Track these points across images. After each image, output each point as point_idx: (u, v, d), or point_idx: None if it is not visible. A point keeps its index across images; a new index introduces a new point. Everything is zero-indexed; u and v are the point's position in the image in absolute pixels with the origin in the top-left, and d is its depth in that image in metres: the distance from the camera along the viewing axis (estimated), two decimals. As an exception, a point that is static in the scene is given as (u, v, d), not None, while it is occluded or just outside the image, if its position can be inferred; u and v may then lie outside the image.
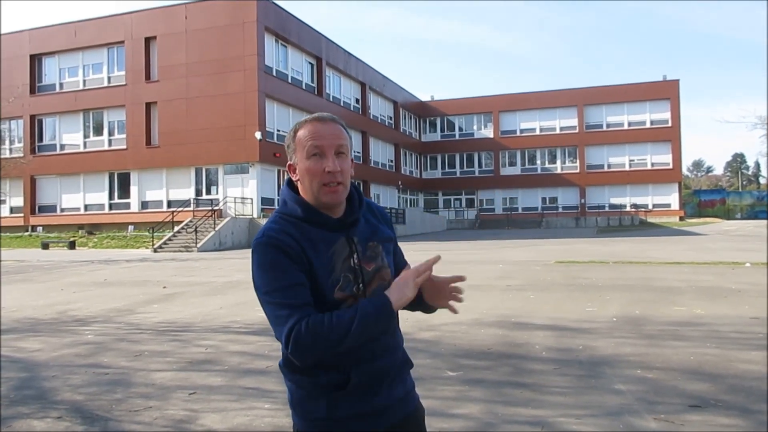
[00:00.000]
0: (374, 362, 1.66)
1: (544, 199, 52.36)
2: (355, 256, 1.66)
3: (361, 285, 1.65)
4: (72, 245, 28.19)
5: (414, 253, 21.61)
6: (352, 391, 1.62)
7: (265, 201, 30.41)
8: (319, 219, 1.65)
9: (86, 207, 33.74)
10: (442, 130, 56.25)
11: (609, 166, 51.13)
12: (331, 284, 1.60)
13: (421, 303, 1.74)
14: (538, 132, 52.80)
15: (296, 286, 1.55)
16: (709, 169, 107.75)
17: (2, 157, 29.53)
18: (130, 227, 31.64)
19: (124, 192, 33.08)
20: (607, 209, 50.25)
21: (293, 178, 1.70)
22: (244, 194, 30.16)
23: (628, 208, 49.72)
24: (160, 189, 32.16)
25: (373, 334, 1.58)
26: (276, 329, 1.56)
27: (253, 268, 1.60)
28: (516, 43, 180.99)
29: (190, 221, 27.77)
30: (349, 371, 1.62)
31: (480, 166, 54.87)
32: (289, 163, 1.71)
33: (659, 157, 49.83)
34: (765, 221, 45.95)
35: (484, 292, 10.10)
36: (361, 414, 1.64)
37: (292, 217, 1.65)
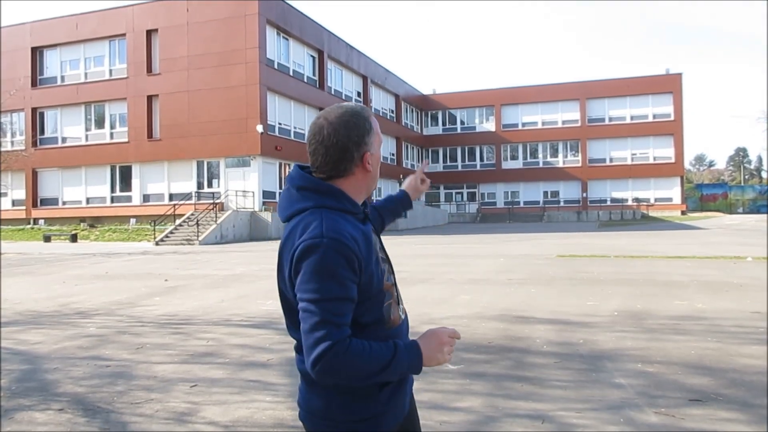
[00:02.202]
0: None
1: (545, 193, 52.28)
2: (381, 244, 1.71)
3: (393, 274, 1.70)
4: (74, 238, 28.24)
5: (416, 246, 21.51)
6: (395, 384, 1.63)
7: (267, 194, 30.40)
8: (356, 210, 1.63)
9: (88, 200, 33.78)
10: (443, 124, 56.13)
11: (611, 159, 51.02)
12: (381, 274, 1.61)
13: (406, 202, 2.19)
14: (540, 125, 52.65)
15: (346, 301, 1.49)
16: (711, 164, 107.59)
17: (4, 149, 29.52)
18: (132, 220, 31.69)
19: (126, 185, 33.09)
20: (608, 203, 50.19)
21: (368, 168, 1.64)
22: (245, 187, 30.15)
23: (629, 202, 49.66)
24: (162, 182, 32.16)
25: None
26: (310, 339, 1.46)
27: (305, 268, 1.49)
28: (518, 35, 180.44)
29: (192, 214, 27.79)
30: None
31: (482, 159, 54.77)
32: (367, 152, 1.63)
33: (661, 151, 49.71)
34: (767, 216, 45.86)
35: (486, 286, 10.10)
36: (397, 405, 1.65)
37: (337, 210, 1.58)
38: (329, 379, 1.48)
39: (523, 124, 53.06)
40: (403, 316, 1.71)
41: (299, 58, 34.55)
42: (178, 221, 27.67)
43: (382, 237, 1.87)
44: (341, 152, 1.59)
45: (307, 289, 1.48)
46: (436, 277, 11.48)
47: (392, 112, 48.76)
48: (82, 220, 32.78)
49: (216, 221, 26.57)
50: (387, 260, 1.69)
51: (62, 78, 34.54)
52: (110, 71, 33.48)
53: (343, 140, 1.59)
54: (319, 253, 1.47)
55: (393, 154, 48.54)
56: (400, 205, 2.20)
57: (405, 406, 1.70)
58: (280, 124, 31.98)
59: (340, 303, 1.47)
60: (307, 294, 1.47)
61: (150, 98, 32.08)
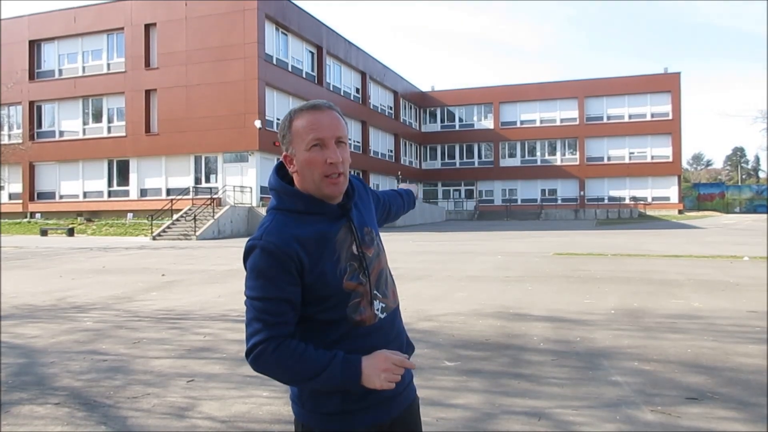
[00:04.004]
0: (388, 348, 1.65)
1: (543, 191, 52.36)
2: (356, 242, 1.65)
3: (366, 272, 1.64)
4: (71, 232, 28.18)
5: (413, 243, 21.50)
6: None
7: (264, 190, 30.34)
8: (320, 209, 1.61)
9: (85, 194, 33.71)
10: (442, 121, 56.13)
11: (609, 158, 51.09)
12: (339, 275, 1.58)
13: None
14: (538, 123, 52.70)
15: (279, 301, 1.52)
16: (708, 163, 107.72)
17: (1, 143, 29.42)
18: (129, 215, 31.64)
19: (123, 179, 33.04)
20: (606, 201, 50.30)
21: (290, 170, 1.64)
22: (243, 183, 30.13)
23: (627, 201, 49.76)
24: (159, 177, 32.12)
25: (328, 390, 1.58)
26: (246, 332, 1.55)
27: (247, 267, 1.58)
28: (518, 33, 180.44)
29: (189, 209, 27.77)
30: None
31: (480, 157, 54.80)
32: (284, 154, 1.64)
33: (659, 150, 49.80)
34: (764, 215, 46.00)
35: (483, 283, 10.11)
36: (372, 405, 1.62)
37: (292, 212, 1.60)
38: (260, 371, 1.56)
39: (522, 122, 53.10)
40: (382, 315, 1.66)
41: (298, 54, 34.49)
42: (175, 216, 27.63)
43: (382, 233, 1.85)
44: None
45: (246, 285, 1.57)
46: (434, 274, 11.49)
47: (391, 108, 48.72)
48: (79, 214, 32.71)
49: (213, 216, 26.55)
50: (360, 258, 1.64)
51: (60, 71, 34.43)
52: (108, 65, 33.38)
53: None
54: (255, 254, 1.55)
55: (391, 151, 48.53)
56: (409, 202, 2.37)
57: (388, 411, 1.65)
58: (278, 119, 31.89)
59: (273, 302, 1.52)
60: (246, 290, 1.57)
61: (148, 92, 32.01)
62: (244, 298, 1.58)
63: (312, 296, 1.57)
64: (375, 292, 1.66)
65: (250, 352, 1.53)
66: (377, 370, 1.53)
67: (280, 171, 1.68)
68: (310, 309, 1.58)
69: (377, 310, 1.65)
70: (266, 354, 1.51)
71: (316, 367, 1.51)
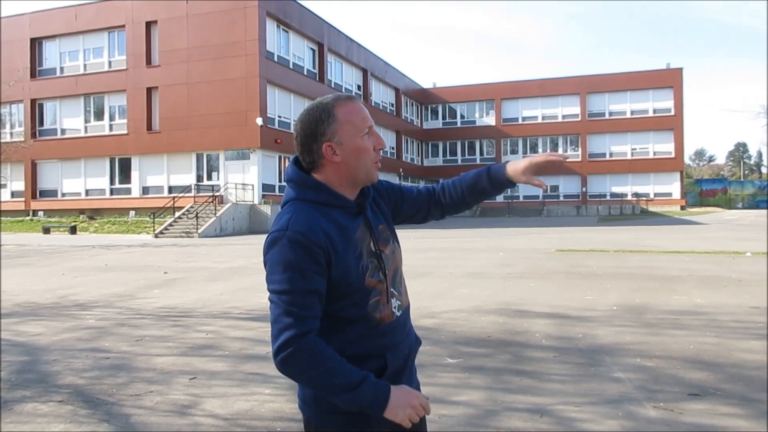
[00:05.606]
0: (403, 344, 1.66)
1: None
2: (373, 240, 1.64)
3: (383, 270, 1.63)
4: (73, 230, 28.23)
5: (415, 240, 21.49)
6: (386, 379, 1.58)
7: (266, 187, 30.38)
8: (340, 203, 1.60)
9: (87, 192, 33.75)
10: (443, 118, 56.05)
11: (611, 154, 50.97)
12: (362, 271, 1.57)
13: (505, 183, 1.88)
14: (540, 120, 52.58)
15: (311, 293, 1.48)
16: (711, 159, 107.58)
17: (3, 141, 29.44)
18: (131, 212, 31.66)
19: (125, 177, 33.06)
20: (608, 198, 50.15)
21: (334, 159, 1.58)
22: (245, 180, 30.12)
23: (629, 197, 49.63)
24: (161, 174, 32.12)
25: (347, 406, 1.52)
26: (274, 329, 1.49)
27: (269, 260, 1.51)
28: (519, 30, 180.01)
29: (191, 207, 27.78)
30: (386, 358, 1.60)
31: (482, 153, 54.73)
32: (328, 143, 1.57)
33: (661, 146, 49.67)
34: (766, 211, 45.90)
35: (485, 280, 10.11)
36: None
37: (313, 202, 1.57)
38: (288, 370, 1.49)
39: (524, 119, 53.00)
40: (398, 313, 1.66)
41: (299, 51, 34.45)
42: (177, 214, 27.66)
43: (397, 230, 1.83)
44: (303, 145, 1.60)
45: (271, 280, 1.51)
46: (435, 271, 11.49)
47: (392, 105, 48.65)
48: (82, 212, 32.75)
49: (215, 214, 26.56)
50: (378, 256, 1.63)
51: (61, 69, 34.42)
52: (109, 63, 33.37)
53: (302, 134, 1.61)
54: (280, 246, 1.49)
55: (393, 148, 48.49)
56: (479, 181, 1.88)
57: None
58: (279, 117, 31.92)
59: (304, 295, 1.48)
60: (272, 285, 1.50)
61: (149, 90, 31.99)
62: (269, 294, 1.52)
63: (335, 291, 1.54)
64: (392, 289, 1.66)
65: (281, 349, 1.46)
66: (404, 403, 1.50)
67: (298, 163, 1.67)
68: (331, 306, 1.55)
69: (394, 308, 1.65)
70: (300, 352, 1.45)
71: (349, 381, 1.47)
